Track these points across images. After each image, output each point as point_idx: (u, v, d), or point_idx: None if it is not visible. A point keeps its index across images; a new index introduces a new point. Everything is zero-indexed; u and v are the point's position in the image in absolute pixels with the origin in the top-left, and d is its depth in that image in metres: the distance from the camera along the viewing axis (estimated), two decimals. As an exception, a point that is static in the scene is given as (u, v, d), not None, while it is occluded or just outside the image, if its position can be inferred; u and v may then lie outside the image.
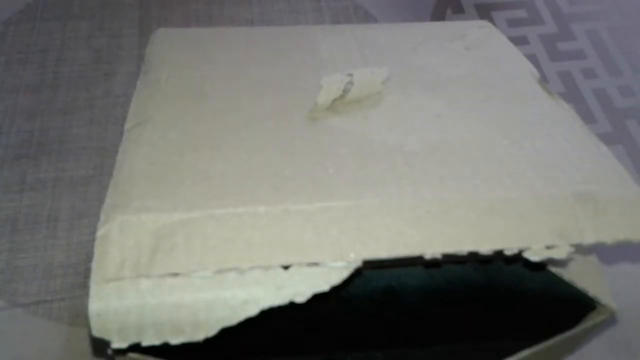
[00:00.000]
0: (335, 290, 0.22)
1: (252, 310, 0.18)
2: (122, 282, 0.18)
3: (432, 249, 0.19)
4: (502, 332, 0.24)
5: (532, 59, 0.46)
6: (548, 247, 0.20)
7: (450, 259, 0.19)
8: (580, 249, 0.23)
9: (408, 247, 0.19)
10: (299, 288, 0.18)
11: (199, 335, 0.18)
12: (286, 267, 0.18)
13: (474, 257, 0.19)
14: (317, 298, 0.22)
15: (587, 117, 0.41)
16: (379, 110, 0.24)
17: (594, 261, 0.24)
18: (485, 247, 0.19)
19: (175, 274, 0.18)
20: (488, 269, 0.24)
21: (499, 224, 0.20)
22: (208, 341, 0.21)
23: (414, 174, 0.21)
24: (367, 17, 0.46)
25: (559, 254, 0.20)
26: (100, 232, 0.19)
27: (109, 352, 0.20)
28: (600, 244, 0.20)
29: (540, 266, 0.21)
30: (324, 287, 0.18)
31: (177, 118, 0.24)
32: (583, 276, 0.23)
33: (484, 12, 0.48)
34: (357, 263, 0.19)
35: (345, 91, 0.24)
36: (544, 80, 0.28)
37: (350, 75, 0.24)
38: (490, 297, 0.24)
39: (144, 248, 0.19)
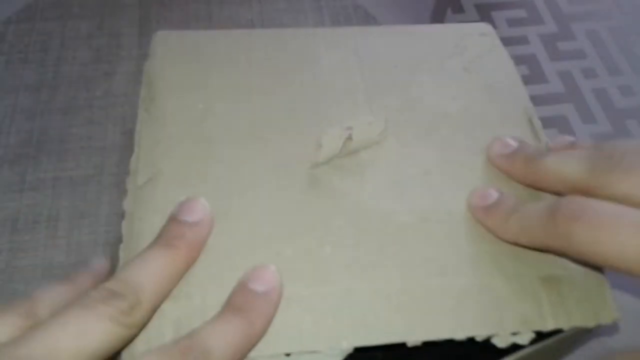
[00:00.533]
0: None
1: None
2: None
3: (414, 337, 0.21)
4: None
5: (532, 58, 0.46)
6: (513, 334, 0.22)
7: (428, 344, 0.22)
8: None
9: (394, 335, 0.21)
10: None
11: None
12: (288, 354, 0.21)
13: (449, 341, 0.22)
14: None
15: (587, 117, 0.41)
16: (374, 166, 0.26)
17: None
18: (459, 335, 0.22)
19: None
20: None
21: (472, 310, 0.22)
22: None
23: (402, 254, 0.23)
24: (367, 17, 0.46)
25: (522, 340, 0.22)
26: None
27: None
28: (557, 329, 0.22)
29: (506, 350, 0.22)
30: None
31: (186, 174, 0.25)
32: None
33: (484, 12, 0.48)
34: (349, 350, 0.21)
35: (345, 146, 0.26)
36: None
37: (350, 128, 0.26)
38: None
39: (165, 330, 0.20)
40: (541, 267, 0.23)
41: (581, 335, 0.24)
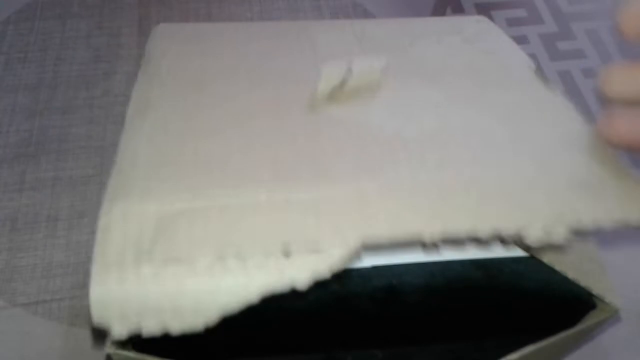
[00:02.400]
0: (336, 289, 0.22)
1: (253, 296, 0.18)
2: (124, 268, 0.18)
3: (430, 231, 0.19)
4: (502, 331, 0.24)
5: (532, 58, 0.46)
6: (546, 232, 0.20)
7: (448, 242, 0.19)
8: (581, 242, 0.23)
9: (407, 230, 0.19)
10: (300, 274, 0.18)
11: (199, 322, 0.18)
12: (288, 255, 0.19)
13: (472, 239, 0.20)
14: (318, 296, 0.22)
15: (587, 116, 0.42)
16: (377, 99, 0.25)
17: (598, 260, 0.24)
18: (483, 228, 0.19)
19: (177, 260, 0.18)
20: (488, 268, 0.24)
21: (496, 207, 0.20)
22: (208, 339, 0.21)
23: (412, 158, 0.21)
24: (366, 15, 0.46)
25: (557, 237, 0.20)
26: (102, 221, 0.20)
27: (107, 350, 0.20)
28: (598, 227, 0.20)
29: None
30: (325, 273, 0.18)
31: (178, 106, 0.24)
32: (587, 275, 0.23)
33: (483, 12, 0.48)
34: (357, 245, 0.19)
35: (344, 80, 0.24)
36: (541, 72, 0.28)
37: (349, 63, 0.24)
38: (491, 295, 0.24)
39: (146, 235, 0.19)
40: (565, 173, 0.22)
41: (584, 334, 0.24)
